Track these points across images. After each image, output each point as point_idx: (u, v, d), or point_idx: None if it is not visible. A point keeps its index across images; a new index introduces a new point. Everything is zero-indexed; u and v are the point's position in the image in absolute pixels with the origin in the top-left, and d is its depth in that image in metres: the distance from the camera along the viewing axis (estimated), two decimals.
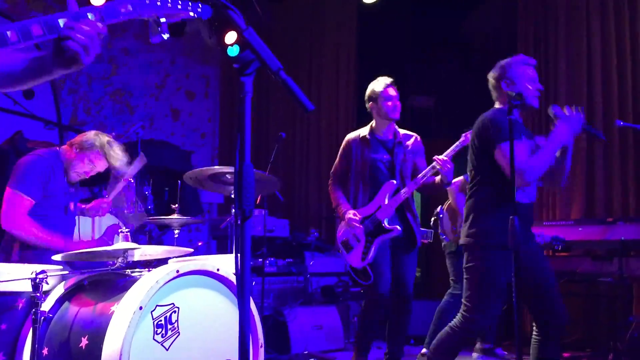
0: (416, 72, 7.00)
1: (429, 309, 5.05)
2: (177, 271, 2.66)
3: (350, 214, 4.10)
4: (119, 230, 3.24)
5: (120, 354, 2.37)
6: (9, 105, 5.06)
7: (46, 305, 2.71)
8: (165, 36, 1.66)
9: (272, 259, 6.01)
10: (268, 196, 5.50)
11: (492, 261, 3.00)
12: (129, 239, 3.14)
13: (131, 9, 1.57)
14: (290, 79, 1.46)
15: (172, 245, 3.96)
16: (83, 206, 3.91)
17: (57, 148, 3.60)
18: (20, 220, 3.28)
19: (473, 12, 6.39)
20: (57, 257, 2.89)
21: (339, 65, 7.66)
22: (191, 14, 1.67)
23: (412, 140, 4.28)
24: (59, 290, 2.81)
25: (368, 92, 4.33)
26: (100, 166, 3.60)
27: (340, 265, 6.38)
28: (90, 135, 3.59)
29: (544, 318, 3.07)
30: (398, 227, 4.04)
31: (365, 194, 4.20)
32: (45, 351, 2.63)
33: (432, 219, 5.48)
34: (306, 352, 5.06)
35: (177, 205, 4.00)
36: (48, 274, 2.62)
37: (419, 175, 4.07)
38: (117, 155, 3.59)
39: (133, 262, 3.11)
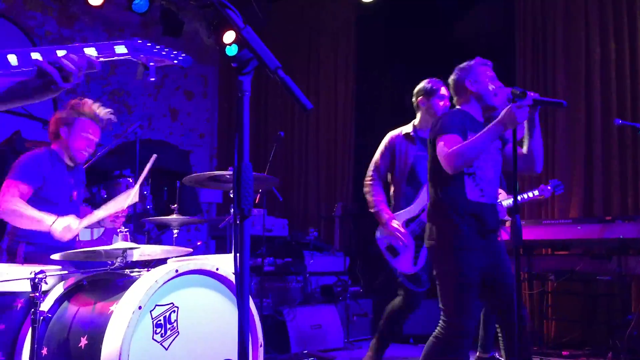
0: (413, 71, 6.99)
1: (430, 307, 5.04)
2: (176, 271, 2.66)
3: (395, 224, 3.94)
4: (118, 230, 3.25)
5: (120, 354, 2.37)
6: None
7: (45, 305, 2.71)
8: (152, 79, 1.87)
9: (271, 258, 6.01)
10: (267, 196, 5.50)
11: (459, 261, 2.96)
12: (128, 238, 3.14)
13: (125, 50, 1.78)
14: (288, 78, 1.46)
15: (171, 245, 3.95)
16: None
17: (48, 147, 3.58)
18: (9, 202, 3.23)
19: (469, 14, 6.39)
20: (56, 257, 2.89)
21: (337, 65, 7.66)
22: (174, 62, 1.92)
23: None
24: (58, 290, 2.80)
25: (421, 86, 4.14)
26: (94, 131, 3.54)
27: (339, 265, 6.38)
28: (64, 112, 3.54)
29: (505, 318, 3.08)
30: None
31: (407, 194, 4.08)
32: (44, 351, 2.63)
33: None
34: (306, 351, 5.06)
35: (176, 205, 3.99)
36: (47, 273, 2.61)
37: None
38: (95, 107, 3.54)
39: (132, 261, 3.11)
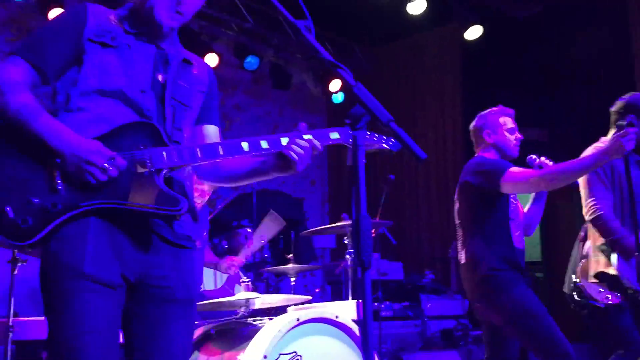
0: (527, 104, 6.80)
1: None
2: (298, 319, 2.73)
3: None
4: (240, 281, 3.39)
5: None
6: None
7: None
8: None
9: (388, 302, 5.95)
10: (380, 239, 5.50)
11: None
12: (250, 288, 3.27)
13: (338, 136, 1.98)
14: (401, 130, 1.48)
15: (290, 292, 4.06)
16: (217, 260, 4.06)
17: None
18: None
19: (580, 39, 6.15)
20: None
21: (444, 104, 7.61)
22: (385, 146, 2.05)
23: None
24: None
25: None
26: (206, 185, 3.76)
27: (458, 308, 6.19)
28: None
29: None
30: None
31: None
32: None
33: None
34: None
35: (291, 254, 4.11)
36: None
37: None
38: None
39: (255, 310, 3.22)
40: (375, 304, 5.30)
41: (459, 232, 3.26)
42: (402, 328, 5.79)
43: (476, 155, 3.30)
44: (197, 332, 3.00)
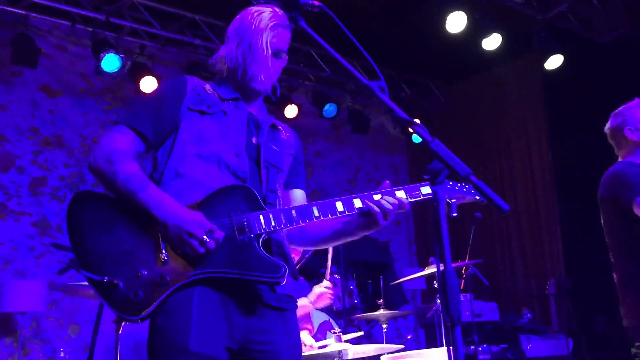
0: None
1: None
2: None
3: None
4: (332, 331, 3.40)
5: None
6: None
7: None
8: (454, 214, 1.91)
9: (485, 345, 5.74)
10: (472, 279, 5.36)
11: None
12: (341, 339, 3.27)
13: (430, 191, 2.00)
14: (481, 183, 1.48)
15: (382, 338, 4.02)
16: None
17: None
18: None
19: None
20: None
21: (529, 136, 7.41)
22: (476, 197, 2.03)
23: None
24: None
25: None
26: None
27: (562, 348, 5.86)
28: None
29: None
30: None
31: None
32: None
33: None
34: None
35: (381, 300, 4.09)
36: None
37: None
38: None
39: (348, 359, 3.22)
40: (472, 347, 5.12)
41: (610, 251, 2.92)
42: None
43: (619, 160, 2.92)
44: None
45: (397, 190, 1.99)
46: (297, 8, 1.82)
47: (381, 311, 4.01)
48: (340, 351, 3.05)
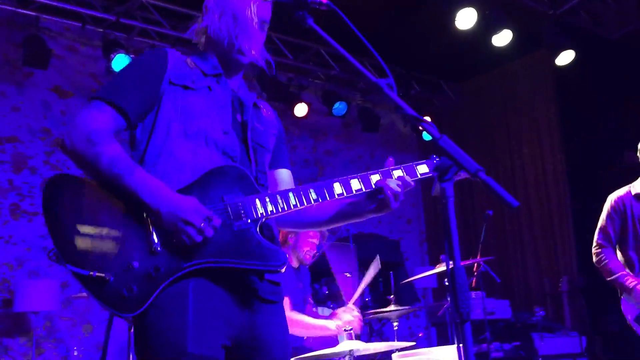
0: (628, 126, 6.44)
1: None
2: None
3: None
4: (343, 329, 3.39)
5: None
6: None
7: None
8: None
9: (497, 343, 5.72)
10: (484, 277, 5.33)
11: None
12: (353, 337, 3.27)
13: (427, 170, 1.96)
14: (490, 179, 1.47)
15: (393, 336, 4.01)
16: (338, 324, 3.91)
17: None
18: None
19: None
20: None
21: (540, 133, 7.36)
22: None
23: None
24: None
25: None
26: (315, 235, 3.84)
27: (575, 346, 5.82)
28: None
29: None
30: None
31: None
32: None
33: None
34: None
35: (392, 296, 4.08)
36: None
37: None
38: None
39: (359, 356, 3.21)
40: (484, 345, 5.10)
41: None
42: None
43: None
44: None
45: (395, 169, 1.93)
46: (305, 6, 1.79)
47: (392, 308, 3.99)
48: (351, 350, 3.04)
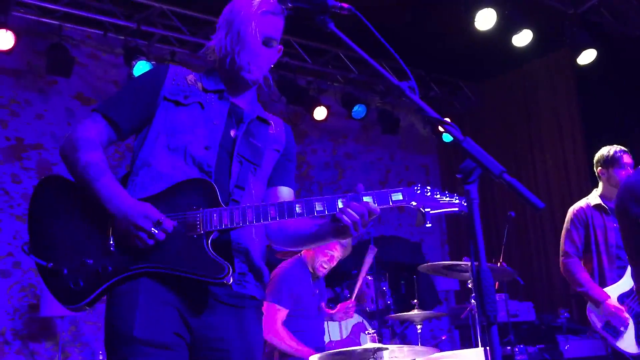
0: None
1: None
2: None
3: (613, 302, 3.76)
4: (366, 332, 3.40)
5: None
6: None
7: None
8: (428, 224, 1.85)
9: (521, 346, 5.65)
10: (507, 279, 5.29)
11: None
12: (376, 339, 3.26)
13: (401, 197, 1.86)
14: (515, 180, 1.46)
15: (416, 339, 4.00)
16: (330, 312, 4.15)
17: (299, 255, 3.95)
18: (277, 331, 3.61)
19: None
20: (314, 358, 3.11)
21: (562, 133, 7.28)
22: (455, 209, 1.87)
23: None
24: None
25: (598, 156, 4.06)
26: (334, 247, 3.83)
27: (601, 348, 5.73)
28: None
29: None
30: None
31: (612, 268, 3.88)
32: None
33: None
34: None
35: (416, 300, 4.06)
36: None
37: None
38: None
39: None
40: (508, 348, 5.05)
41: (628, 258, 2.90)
42: None
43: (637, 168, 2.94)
44: None
45: (366, 195, 1.83)
46: (326, 10, 1.80)
47: (415, 311, 3.99)
48: (375, 351, 3.04)
